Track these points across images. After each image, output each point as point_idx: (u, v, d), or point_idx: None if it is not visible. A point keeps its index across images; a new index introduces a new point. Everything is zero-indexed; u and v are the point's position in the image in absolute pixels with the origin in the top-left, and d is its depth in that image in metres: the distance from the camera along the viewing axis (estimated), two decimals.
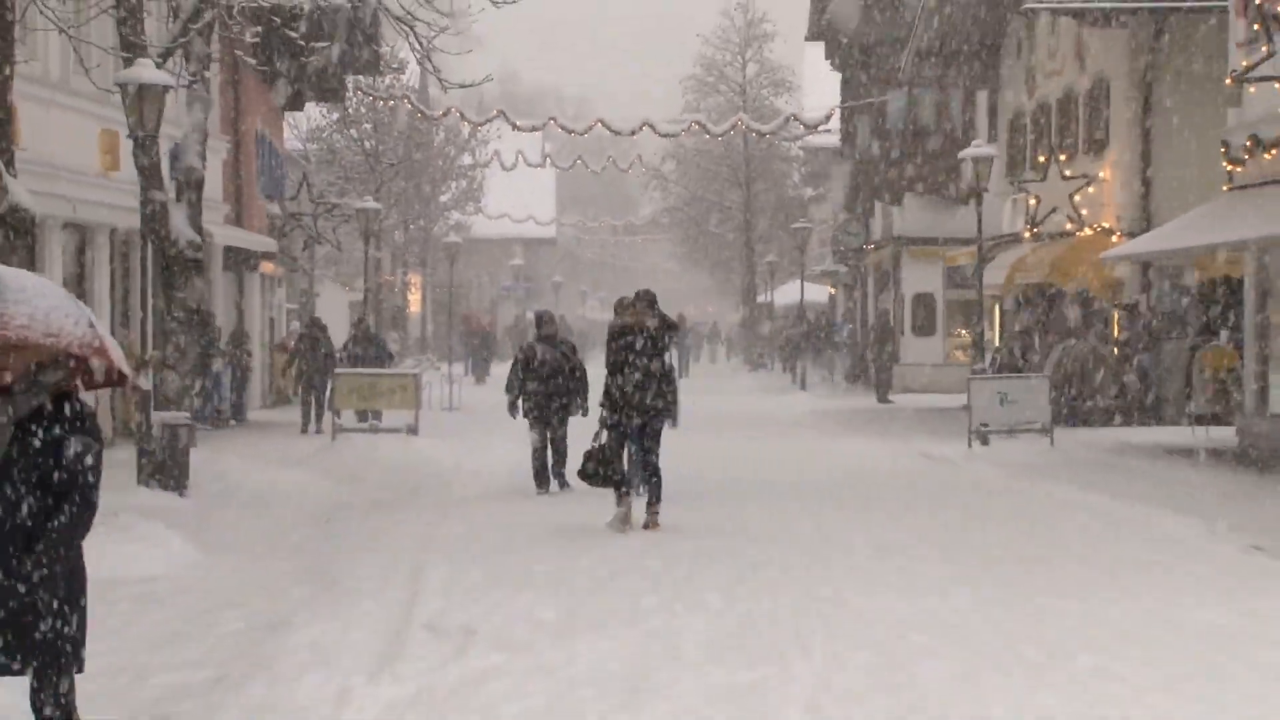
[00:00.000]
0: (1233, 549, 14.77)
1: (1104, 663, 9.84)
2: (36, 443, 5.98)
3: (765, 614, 11.47)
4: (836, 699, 8.97)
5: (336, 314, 52.72)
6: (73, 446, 5.99)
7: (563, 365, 19.71)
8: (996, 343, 36.77)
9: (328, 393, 28.21)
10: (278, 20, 22.93)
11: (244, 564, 14.06)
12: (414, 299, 67.59)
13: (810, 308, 57.53)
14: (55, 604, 6.11)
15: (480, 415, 33.03)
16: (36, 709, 6.30)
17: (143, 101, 18.07)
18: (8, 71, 15.78)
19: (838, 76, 53.54)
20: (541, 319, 20.52)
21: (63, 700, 6.24)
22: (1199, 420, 27.29)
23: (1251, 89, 22.92)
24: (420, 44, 20.69)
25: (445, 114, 49.13)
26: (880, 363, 41.48)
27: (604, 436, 16.38)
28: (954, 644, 10.40)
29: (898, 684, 9.32)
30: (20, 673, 6.24)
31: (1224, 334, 28.53)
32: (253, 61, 24.79)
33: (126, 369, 6.17)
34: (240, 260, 33.67)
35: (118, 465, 18.91)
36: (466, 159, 62.56)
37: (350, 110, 50.44)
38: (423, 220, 60.86)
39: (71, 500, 6.01)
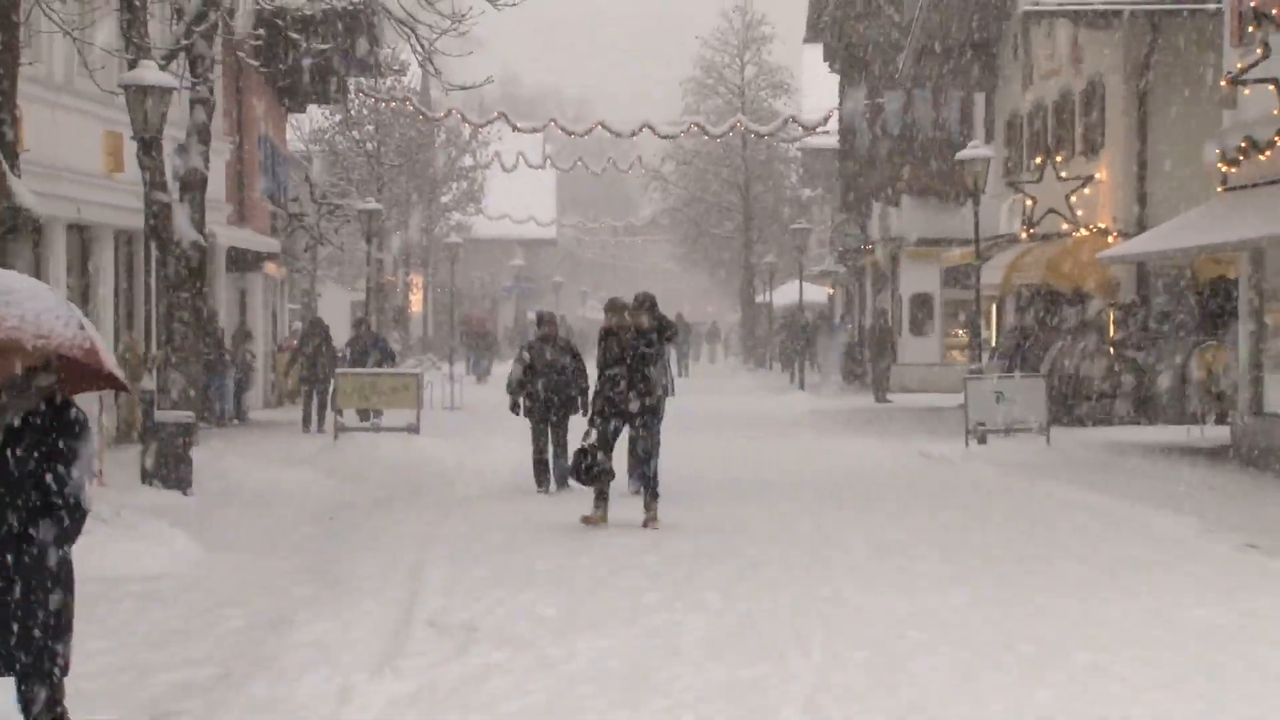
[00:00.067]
0: (1229, 548, 14.76)
1: (1101, 661, 9.84)
2: (28, 446, 5.95)
3: (765, 612, 11.46)
4: (835, 696, 8.96)
5: (338, 314, 52.77)
6: (65, 450, 5.96)
7: (563, 365, 19.73)
8: (994, 342, 36.76)
9: (330, 392, 28.22)
10: (280, 23, 22.95)
11: (246, 562, 14.05)
12: (415, 299, 67.64)
13: (809, 308, 57.52)
14: (42, 607, 6.06)
15: (481, 415, 33.04)
16: (25, 711, 6.28)
17: (146, 103, 18.08)
18: (12, 73, 15.77)
19: (836, 78, 53.58)
20: (542, 319, 20.56)
21: (51, 702, 6.21)
22: (1194, 420, 27.28)
23: (1246, 91, 22.91)
24: (422, 46, 20.71)
25: (446, 115, 49.23)
26: (878, 363, 41.47)
27: (592, 436, 16.47)
28: (952, 642, 10.39)
29: (896, 682, 9.32)
30: (4, 674, 6.21)
31: (1221, 334, 28.54)
32: (255, 63, 24.81)
33: (118, 372, 6.14)
34: (243, 261, 33.66)
35: (121, 464, 18.95)
36: (468, 160, 62.61)
37: (352, 112, 50.47)
38: (424, 221, 60.89)
39: (64, 505, 5.98)
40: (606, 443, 16.49)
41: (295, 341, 33.79)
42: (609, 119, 48.95)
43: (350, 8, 28.14)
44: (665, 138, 52.29)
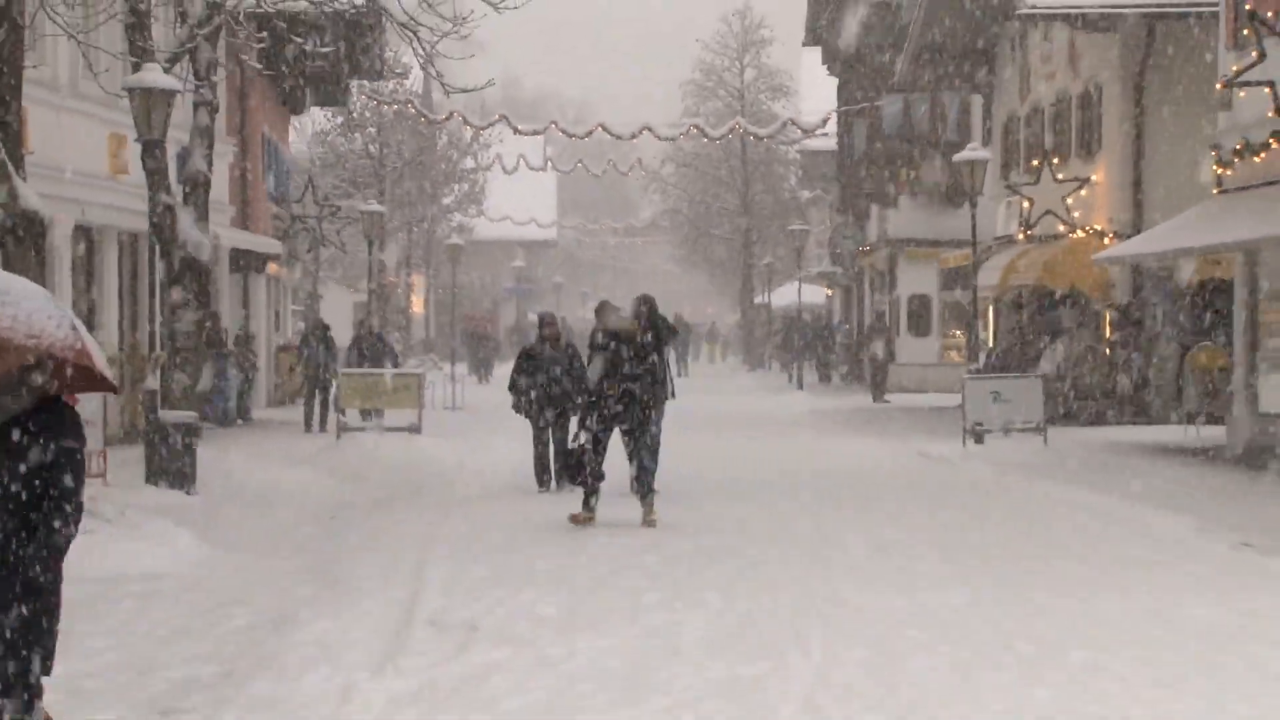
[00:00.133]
0: (1224, 546, 14.75)
1: (1099, 659, 9.82)
2: (20, 446, 5.92)
3: (764, 611, 11.45)
4: (835, 695, 8.95)
5: (341, 315, 52.77)
6: (57, 449, 5.93)
7: (564, 366, 19.73)
8: (991, 343, 36.75)
9: (332, 392, 28.21)
10: (283, 26, 22.94)
11: (249, 561, 14.04)
12: (417, 300, 67.63)
13: (808, 309, 57.53)
14: (28, 607, 6.03)
15: (482, 415, 33.04)
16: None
17: (150, 106, 18.07)
18: (17, 76, 15.75)
19: (834, 81, 53.57)
20: (544, 321, 20.58)
21: (29, 701, 6.19)
22: (1190, 419, 27.28)
23: (1241, 93, 22.91)
24: (423, 49, 20.68)
25: (448, 118, 49.17)
26: (875, 363, 41.45)
27: (583, 437, 16.51)
28: (951, 641, 10.38)
29: (895, 681, 9.31)
30: None
31: (1216, 334, 28.53)
32: (259, 66, 24.80)
33: (108, 373, 6.12)
34: (246, 262, 33.66)
35: (125, 464, 18.93)
36: (469, 162, 62.61)
37: (354, 114, 50.46)
38: (426, 223, 60.87)
39: (59, 506, 5.96)
40: (596, 444, 16.51)
41: (298, 342, 33.78)
42: (609, 121, 48.90)
43: (352, 11, 28.10)
44: (665, 140, 52.24)
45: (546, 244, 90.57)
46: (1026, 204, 33.36)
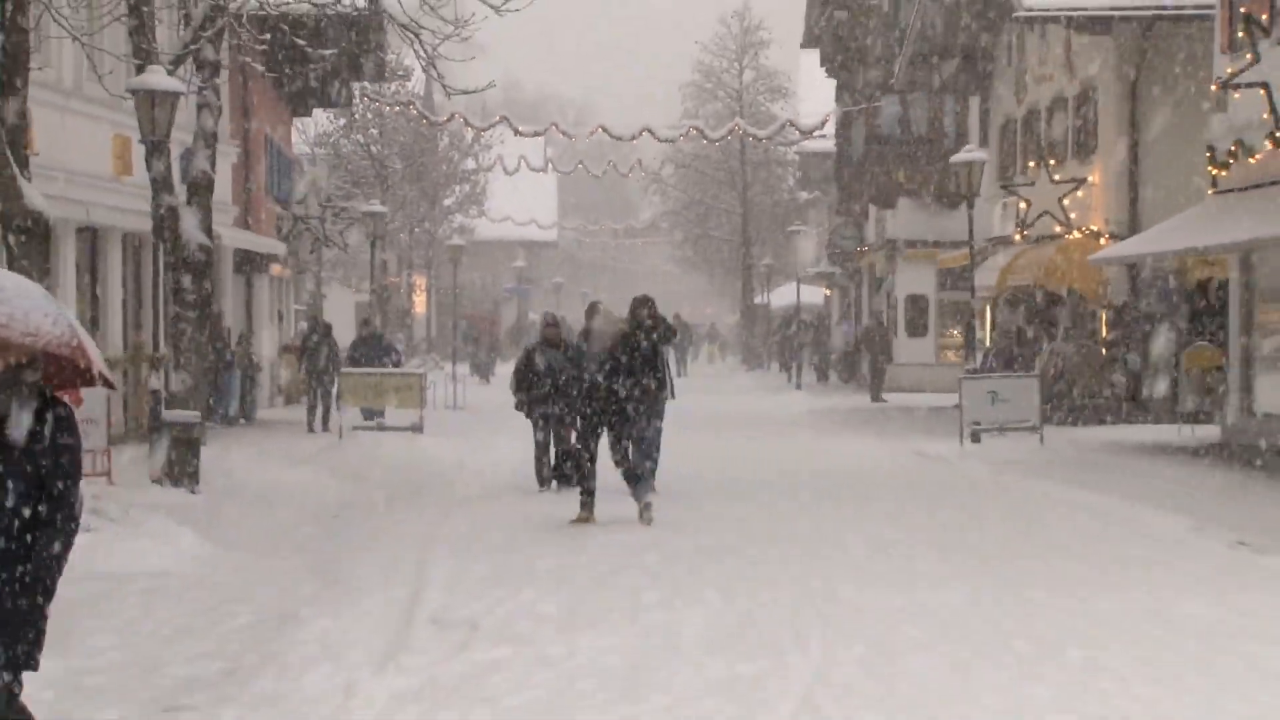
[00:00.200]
0: (1220, 545, 14.76)
1: (1093, 655, 9.83)
2: (15, 443, 5.91)
3: (763, 609, 11.45)
4: (833, 693, 8.95)
5: (343, 315, 52.76)
6: (52, 447, 5.92)
7: (565, 366, 19.73)
8: (988, 343, 36.77)
9: (334, 392, 28.22)
10: (286, 28, 22.94)
11: (252, 560, 14.05)
12: (419, 300, 67.62)
13: (807, 309, 57.53)
14: (23, 604, 6.01)
15: (484, 414, 33.03)
16: None
17: (154, 107, 18.07)
18: (23, 78, 15.77)
19: (832, 83, 53.56)
20: (546, 322, 20.60)
21: (11, 698, 6.18)
22: (1186, 419, 27.29)
23: (1236, 95, 22.93)
24: (425, 51, 20.68)
25: (449, 119, 49.15)
26: (873, 363, 41.45)
27: (573, 438, 16.61)
28: (948, 639, 10.38)
29: (893, 678, 9.31)
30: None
31: (1211, 334, 28.53)
32: (261, 68, 24.80)
33: (105, 370, 6.12)
34: (249, 262, 33.66)
35: (130, 462, 18.92)
36: (470, 163, 62.62)
37: (356, 116, 50.45)
38: (427, 223, 60.88)
39: (59, 505, 5.95)
40: (587, 444, 16.55)
41: (300, 342, 33.77)
42: (609, 123, 48.89)
43: (355, 14, 28.10)
44: (665, 141, 52.21)
45: (547, 244, 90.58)
46: (1023, 205, 33.37)
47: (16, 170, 15.42)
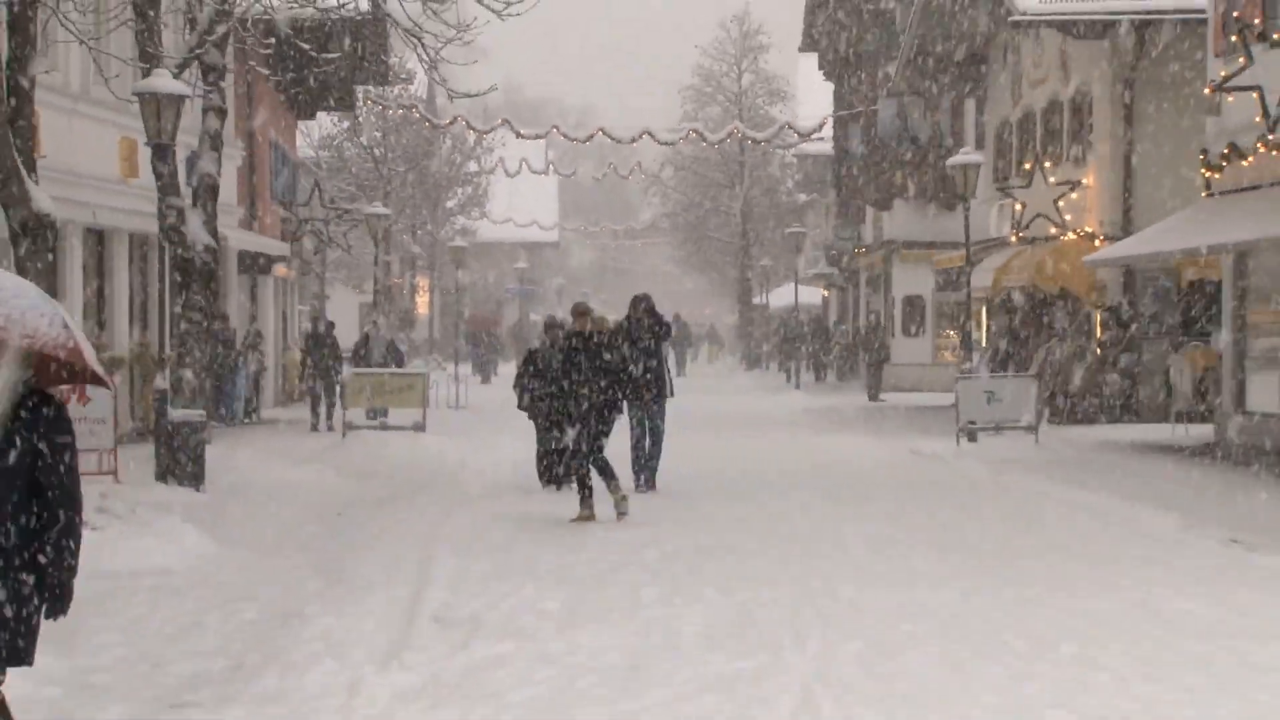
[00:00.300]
0: (1212, 543, 14.75)
1: (1088, 652, 9.82)
2: (11, 442, 5.90)
3: (762, 606, 11.45)
4: (830, 688, 8.95)
5: (347, 315, 52.75)
6: (47, 445, 5.91)
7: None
8: (984, 343, 36.76)
9: (337, 391, 28.23)
10: (290, 32, 22.93)
11: (257, 558, 14.04)
12: (421, 301, 67.62)
13: (805, 310, 57.54)
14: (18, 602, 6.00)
15: (485, 414, 33.03)
16: None
17: (160, 110, 18.06)
18: (30, 81, 15.77)
19: (830, 86, 53.56)
20: (548, 324, 20.63)
21: None
22: (1179, 418, 27.29)
23: (1230, 98, 22.92)
24: (428, 55, 20.68)
25: (452, 123, 49.19)
26: (871, 362, 41.45)
27: (564, 438, 16.66)
28: (944, 635, 10.38)
29: (890, 674, 9.31)
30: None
31: (1208, 334, 28.53)
32: (266, 72, 24.80)
33: (100, 370, 6.11)
34: (254, 263, 33.67)
35: (136, 461, 18.93)
36: (472, 166, 62.63)
37: (360, 119, 50.45)
38: (430, 225, 60.88)
39: (63, 503, 5.94)
40: (579, 444, 16.60)
41: (303, 341, 33.78)
42: (610, 126, 48.91)
43: (359, 18, 28.09)
44: (664, 144, 52.25)
45: (548, 246, 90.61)
46: (1019, 207, 33.36)
47: (24, 173, 15.41)
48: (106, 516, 14.13)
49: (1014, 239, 33.62)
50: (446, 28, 20.67)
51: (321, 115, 45.07)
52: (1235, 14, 22.79)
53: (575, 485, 16.75)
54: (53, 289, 15.79)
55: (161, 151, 18.74)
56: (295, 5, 21.83)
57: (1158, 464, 22.29)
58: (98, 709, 8.65)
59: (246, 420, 30.08)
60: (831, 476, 21.28)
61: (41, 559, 5.96)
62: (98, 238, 24.95)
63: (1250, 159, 22.38)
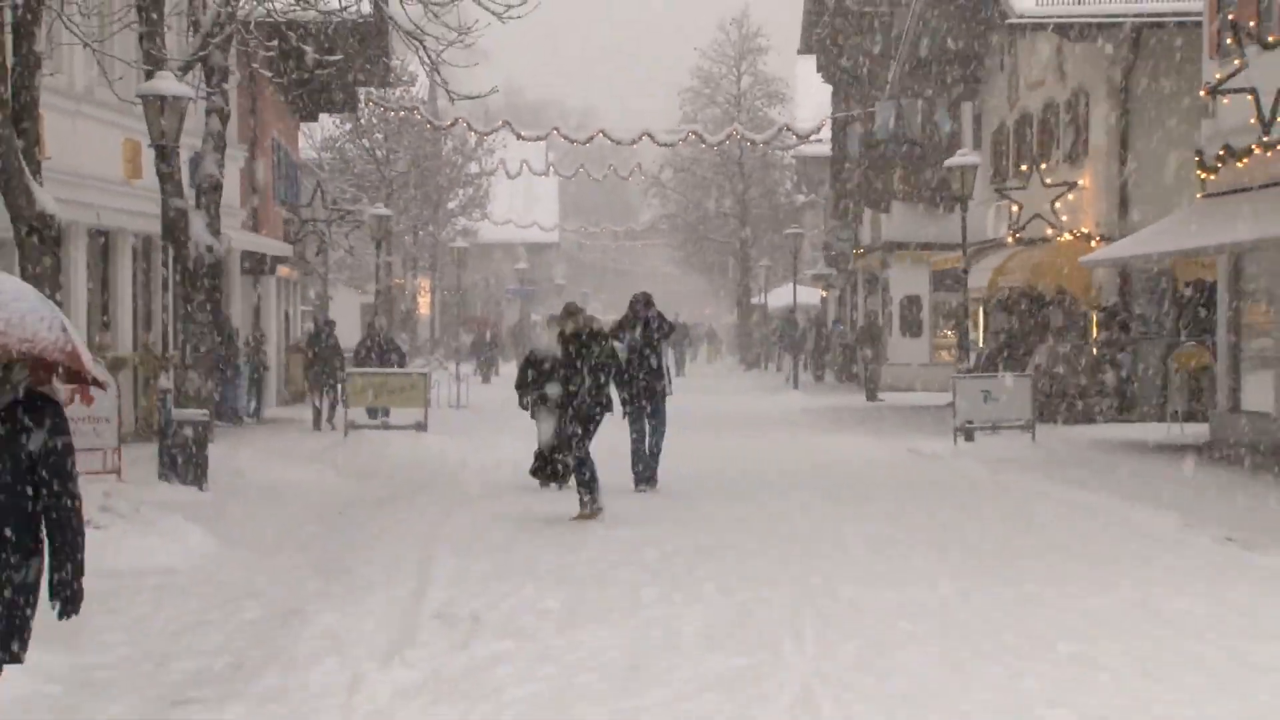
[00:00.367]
0: (1208, 541, 14.74)
1: (1084, 650, 9.82)
2: (8, 442, 5.89)
3: (760, 604, 11.44)
4: (828, 685, 8.94)
5: (349, 316, 52.77)
6: (43, 445, 5.90)
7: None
8: (981, 343, 36.77)
9: (339, 390, 28.21)
10: (293, 35, 22.93)
11: (260, 556, 14.03)
12: (423, 301, 67.62)
13: (803, 310, 57.55)
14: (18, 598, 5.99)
15: (486, 413, 33.01)
16: None
17: (164, 112, 18.07)
18: (35, 83, 15.77)
19: (828, 88, 53.56)
20: (551, 324, 20.59)
21: None
22: (1175, 417, 27.29)
23: (1224, 101, 22.92)
24: (429, 57, 20.68)
25: (453, 124, 49.16)
26: (869, 362, 41.45)
27: (548, 437, 16.75)
28: (940, 632, 10.37)
29: (887, 671, 9.30)
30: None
31: (1204, 335, 28.53)
32: (269, 74, 24.78)
33: (97, 373, 6.11)
34: (257, 264, 33.66)
35: (140, 461, 18.92)
36: (473, 167, 62.64)
37: (362, 121, 50.45)
38: (431, 226, 60.88)
39: (63, 504, 5.93)
40: (567, 441, 16.63)
41: (304, 341, 33.76)
42: (610, 127, 48.89)
43: (361, 21, 28.09)
44: (664, 146, 52.26)
45: (549, 246, 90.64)
46: (1015, 208, 33.36)
47: (29, 174, 15.41)
48: (110, 515, 14.11)
49: (1011, 240, 33.62)
50: (448, 30, 20.69)
51: (324, 116, 45.06)
52: (1230, 17, 22.79)
53: (576, 485, 16.74)
54: (57, 290, 15.77)
55: (165, 153, 18.75)
56: (297, 7, 21.83)
57: (1153, 463, 22.28)
58: (101, 706, 8.64)
59: (249, 420, 30.07)
60: (830, 476, 21.26)
61: (37, 561, 5.95)
62: (102, 239, 24.94)
63: (1245, 160, 22.37)
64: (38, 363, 5.93)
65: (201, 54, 19.85)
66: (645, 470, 18.92)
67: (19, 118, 15.44)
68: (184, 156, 20.60)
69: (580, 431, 16.55)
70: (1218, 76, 22.66)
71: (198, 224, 20.14)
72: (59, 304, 15.64)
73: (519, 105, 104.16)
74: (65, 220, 16.86)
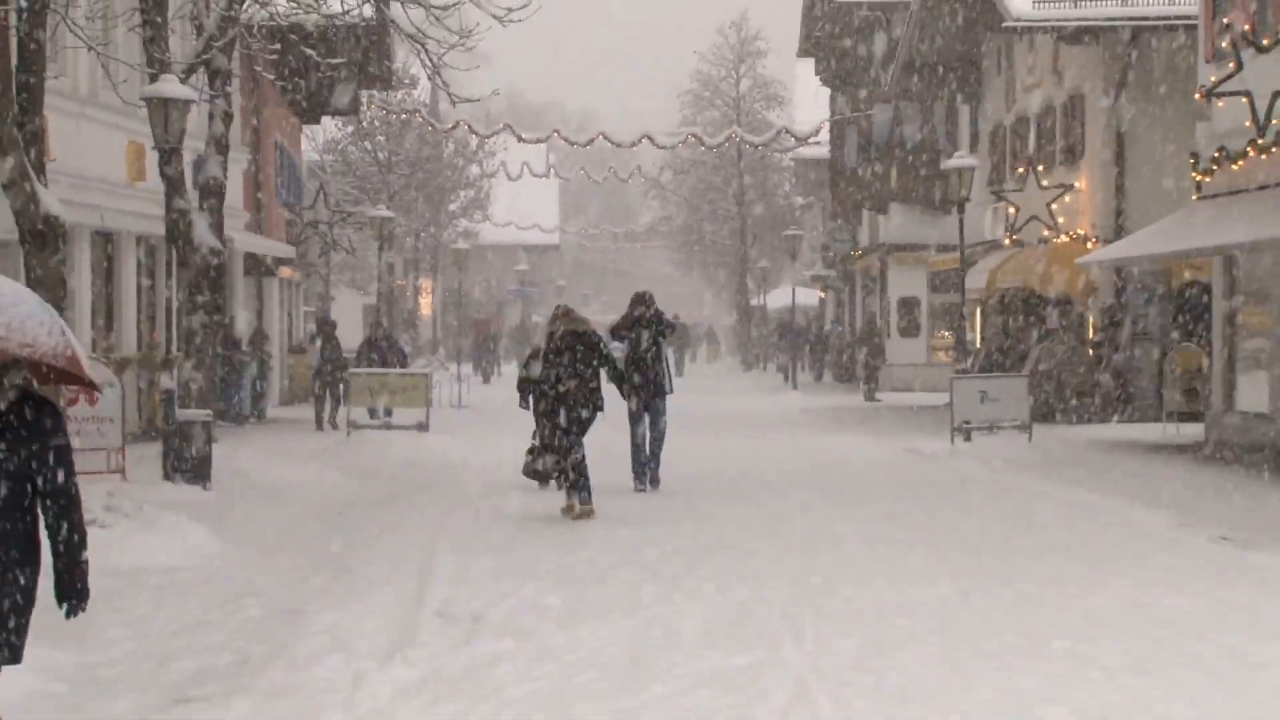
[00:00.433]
0: (1203, 540, 14.74)
1: (1081, 648, 9.81)
2: (6, 442, 5.88)
3: (759, 603, 11.43)
4: (826, 683, 8.94)
5: (351, 317, 52.76)
6: (42, 446, 5.89)
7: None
8: (978, 344, 36.77)
9: (341, 390, 28.20)
10: (295, 38, 22.95)
11: (262, 555, 14.02)
12: (425, 302, 67.62)
13: (802, 311, 57.55)
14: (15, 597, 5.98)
15: (487, 413, 33.00)
16: None
17: (167, 115, 18.06)
18: (39, 86, 15.76)
19: (827, 91, 53.55)
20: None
21: None
22: (1170, 417, 27.28)
23: (1220, 103, 22.91)
24: (431, 60, 20.70)
25: (454, 127, 49.17)
26: (867, 362, 41.45)
27: (540, 436, 16.79)
28: (939, 631, 10.37)
29: (885, 669, 9.29)
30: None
31: (1199, 335, 28.52)
32: (272, 77, 24.79)
33: (95, 377, 6.11)
34: (260, 265, 33.66)
35: (144, 460, 18.91)
36: (474, 169, 62.64)
37: (364, 123, 50.44)
38: (433, 228, 60.87)
39: (62, 504, 5.92)
40: (557, 439, 16.63)
41: (306, 342, 33.76)
42: (610, 130, 48.90)
43: (363, 24, 28.09)
44: (664, 148, 52.25)
45: (549, 248, 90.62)
46: (1012, 210, 33.36)
47: (33, 176, 15.41)
48: (114, 514, 14.12)
49: (1008, 241, 33.62)
50: (449, 34, 20.70)
51: (326, 119, 45.04)
52: (1226, 20, 22.79)
53: (565, 488, 16.72)
54: (61, 291, 15.76)
55: (168, 155, 18.74)
56: (299, 11, 21.83)
57: (1149, 462, 22.28)
58: (105, 703, 8.64)
59: (253, 420, 30.06)
60: (829, 476, 21.25)
61: (35, 561, 5.95)
62: (106, 240, 24.93)
63: (1240, 163, 22.36)
64: (34, 365, 5.91)
65: (205, 57, 19.85)
66: (646, 470, 18.91)
67: (23, 120, 15.43)
68: (187, 159, 20.60)
69: (571, 433, 16.54)
70: (1213, 79, 22.64)
71: (201, 226, 20.15)
72: (63, 306, 15.65)
73: (520, 108, 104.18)
74: (70, 222, 16.85)
